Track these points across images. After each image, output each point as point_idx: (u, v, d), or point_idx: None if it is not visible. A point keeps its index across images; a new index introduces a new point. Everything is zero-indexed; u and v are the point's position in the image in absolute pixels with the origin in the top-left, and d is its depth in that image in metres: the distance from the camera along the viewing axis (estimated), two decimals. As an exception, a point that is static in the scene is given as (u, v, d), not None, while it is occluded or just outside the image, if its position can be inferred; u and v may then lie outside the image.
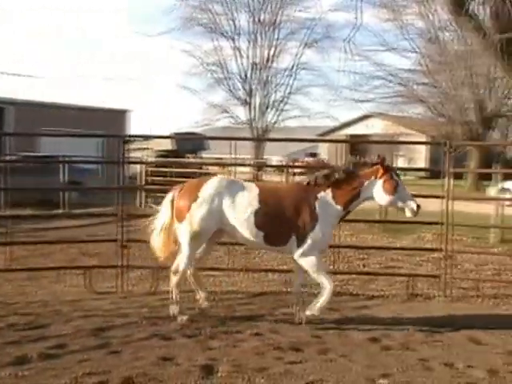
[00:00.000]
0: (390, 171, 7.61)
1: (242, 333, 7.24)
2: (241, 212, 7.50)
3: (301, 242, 7.49)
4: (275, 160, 44.71)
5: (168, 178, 20.36)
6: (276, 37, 47.91)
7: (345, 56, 18.01)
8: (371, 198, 7.71)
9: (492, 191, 15.69)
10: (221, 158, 30.34)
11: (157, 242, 7.93)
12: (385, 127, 53.29)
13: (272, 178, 29.02)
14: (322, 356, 6.48)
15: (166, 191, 8.21)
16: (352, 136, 57.63)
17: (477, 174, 36.55)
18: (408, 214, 7.59)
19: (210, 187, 7.64)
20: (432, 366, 6.33)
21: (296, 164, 38.75)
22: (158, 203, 8.10)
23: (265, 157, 45.65)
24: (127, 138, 10.22)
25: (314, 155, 61.72)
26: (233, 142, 11.88)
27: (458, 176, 43.96)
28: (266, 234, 7.53)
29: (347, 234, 14.93)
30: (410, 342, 7.09)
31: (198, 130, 45.04)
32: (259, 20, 47.77)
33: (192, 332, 7.19)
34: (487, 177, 20.19)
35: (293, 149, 59.50)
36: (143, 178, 23.28)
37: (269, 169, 36.74)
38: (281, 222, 7.52)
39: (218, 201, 7.54)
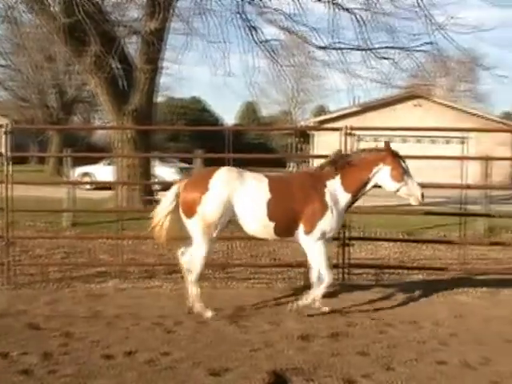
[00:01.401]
0: (397, 158, 7.49)
1: None
2: (252, 202, 7.34)
3: (309, 230, 7.39)
4: None
5: None
6: None
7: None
8: (379, 184, 7.62)
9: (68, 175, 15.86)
10: None
11: (157, 231, 7.77)
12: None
13: None
14: None
15: None
16: None
17: (58, 158, 36.17)
18: (413, 202, 7.60)
19: (219, 178, 7.41)
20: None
21: None
22: None
23: None
24: None
25: None
26: None
27: (42, 161, 43.59)
28: (277, 223, 7.39)
29: None
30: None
31: None
32: None
33: None
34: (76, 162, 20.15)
35: None
36: None
37: None
38: (291, 211, 7.25)
39: (228, 192, 7.33)
